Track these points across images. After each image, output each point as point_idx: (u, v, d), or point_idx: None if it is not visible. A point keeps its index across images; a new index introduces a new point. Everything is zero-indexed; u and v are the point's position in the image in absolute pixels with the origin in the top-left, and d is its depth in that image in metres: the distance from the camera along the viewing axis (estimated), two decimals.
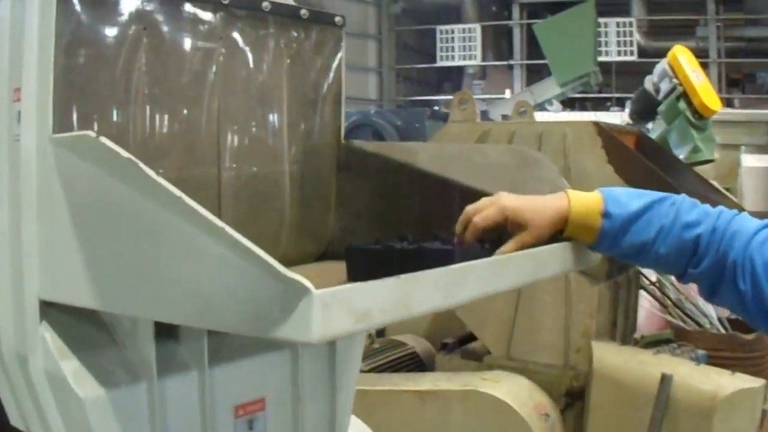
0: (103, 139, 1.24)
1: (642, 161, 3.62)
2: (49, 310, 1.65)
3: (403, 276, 1.22)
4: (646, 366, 3.51)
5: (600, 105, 16.81)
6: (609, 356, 3.61)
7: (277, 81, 2.01)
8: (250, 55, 1.96)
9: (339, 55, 2.14)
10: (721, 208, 1.81)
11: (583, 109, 16.25)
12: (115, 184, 1.31)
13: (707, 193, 3.99)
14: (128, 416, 1.66)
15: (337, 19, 2.11)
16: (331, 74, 2.13)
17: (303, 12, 2.01)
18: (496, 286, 1.50)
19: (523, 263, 1.59)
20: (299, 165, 2.08)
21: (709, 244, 1.75)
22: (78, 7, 1.62)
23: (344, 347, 2.03)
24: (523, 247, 1.70)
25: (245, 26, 1.94)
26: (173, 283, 1.27)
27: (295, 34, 2.03)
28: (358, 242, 1.80)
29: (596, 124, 3.77)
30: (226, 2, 1.86)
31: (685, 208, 1.79)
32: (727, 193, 4.35)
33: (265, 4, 1.94)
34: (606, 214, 1.76)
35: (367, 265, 1.64)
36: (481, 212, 1.75)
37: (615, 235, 1.77)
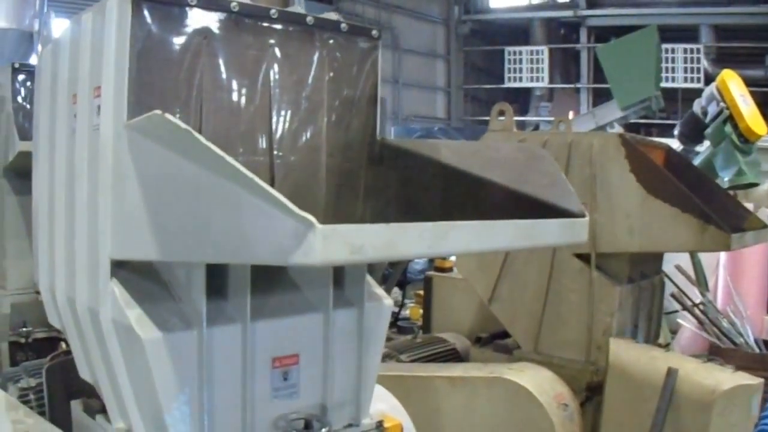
0: (168, 115, 1.56)
1: (661, 172, 3.79)
2: (118, 269, 1.97)
3: (392, 224, 1.52)
4: (656, 361, 3.69)
5: (665, 131, 16.73)
6: (624, 351, 3.80)
7: (320, 84, 2.27)
8: (296, 62, 2.23)
9: (375, 62, 2.39)
10: None
11: (648, 134, 16.19)
12: (175, 155, 1.63)
13: (736, 211, 4.13)
14: (181, 358, 1.95)
15: (374, 32, 2.38)
16: (368, 79, 2.37)
17: (343, 26, 2.29)
18: (479, 245, 1.75)
19: (508, 229, 1.83)
20: (335, 158, 2.31)
21: None
22: (149, 20, 1.93)
23: (370, 319, 2.30)
24: None
25: (292, 37, 2.21)
26: (219, 230, 1.59)
27: (337, 44, 2.30)
28: None
29: (621, 135, 3.95)
30: (275, 17, 2.15)
31: None
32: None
33: (309, 19, 2.23)
34: None
35: None
36: None
37: None
